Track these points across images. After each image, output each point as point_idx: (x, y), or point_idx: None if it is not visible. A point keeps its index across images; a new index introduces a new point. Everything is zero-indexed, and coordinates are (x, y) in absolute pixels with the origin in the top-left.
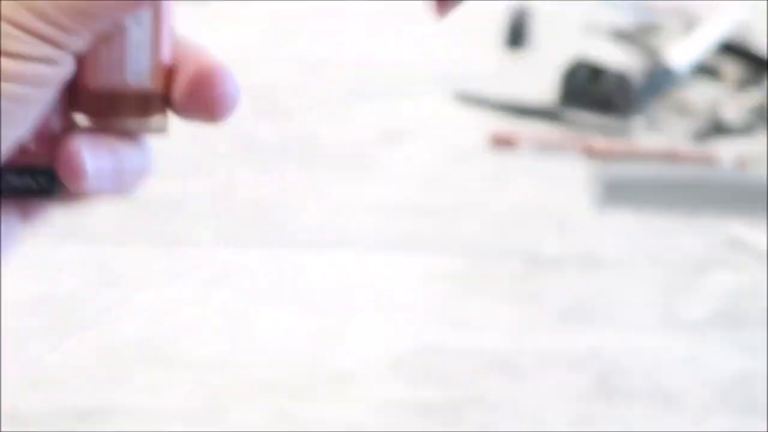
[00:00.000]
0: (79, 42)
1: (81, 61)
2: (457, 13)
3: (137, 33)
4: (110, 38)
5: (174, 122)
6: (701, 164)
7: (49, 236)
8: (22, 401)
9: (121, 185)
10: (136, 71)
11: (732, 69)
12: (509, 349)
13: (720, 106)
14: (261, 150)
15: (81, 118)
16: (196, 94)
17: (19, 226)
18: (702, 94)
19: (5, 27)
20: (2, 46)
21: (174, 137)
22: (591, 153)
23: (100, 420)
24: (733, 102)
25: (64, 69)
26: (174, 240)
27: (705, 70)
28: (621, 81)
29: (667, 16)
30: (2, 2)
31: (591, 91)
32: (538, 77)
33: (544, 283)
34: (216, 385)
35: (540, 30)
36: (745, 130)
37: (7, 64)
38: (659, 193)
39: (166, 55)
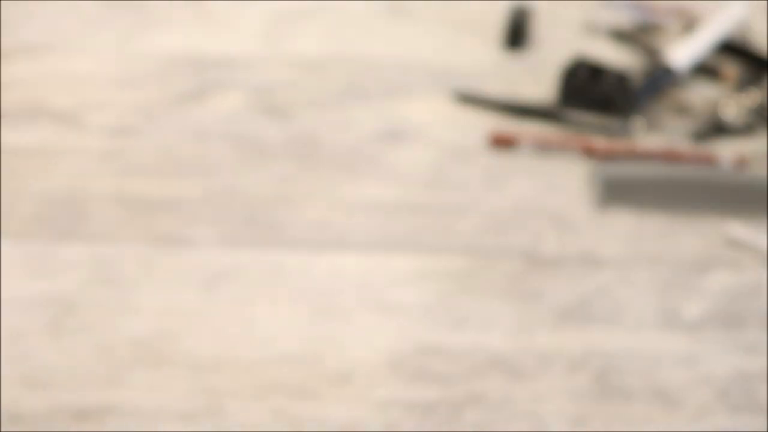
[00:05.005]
0: None
1: None
2: (457, 12)
3: None
4: None
5: (174, 123)
6: (701, 164)
7: (49, 236)
8: (22, 401)
9: None
10: None
11: (732, 69)
12: (508, 349)
13: (720, 106)
14: (261, 150)
15: None
16: None
17: None
18: (702, 94)
19: None
20: None
21: (173, 137)
22: (591, 153)
23: (100, 420)
24: (733, 102)
25: None
26: (174, 240)
27: (705, 70)
28: (621, 81)
29: (667, 16)
30: None
31: (591, 91)
32: (538, 77)
33: (543, 283)
34: (216, 385)
35: (540, 30)
36: (745, 130)
37: None
38: (659, 193)
39: None
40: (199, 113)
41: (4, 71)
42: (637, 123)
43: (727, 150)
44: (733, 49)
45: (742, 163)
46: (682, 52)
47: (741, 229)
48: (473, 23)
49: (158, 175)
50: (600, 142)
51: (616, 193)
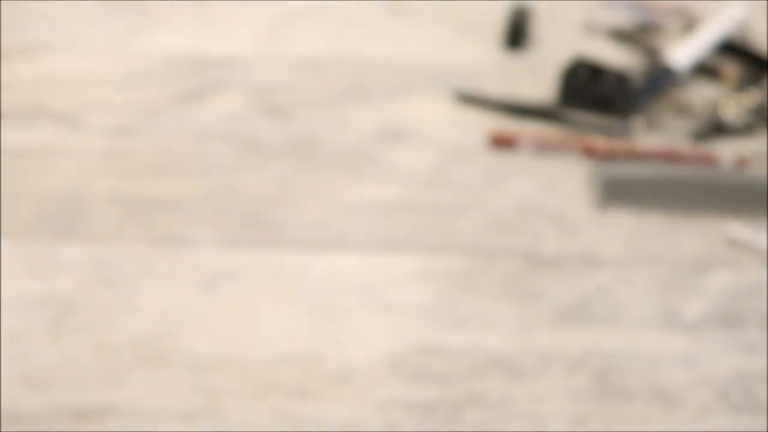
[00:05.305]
0: None
1: None
2: (457, 12)
3: None
4: None
5: (174, 123)
6: (701, 164)
7: (49, 236)
8: (21, 401)
9: None
10: None
11: (732, 69)
12: (508, 349)
13: (720, 106)
14: (261, 150)
15: None
16: None
17: None
18: (702, 94)
19: None
20: None
21: (173, 137)
22: (591, 153)
23: (100, 420)
24: (733, 102)
25: None
26: (174, 240)
27: (705, 70)
28: (621, 81)
29: (667, 16)
30: None
31: (591, 91)
32: (538, 77)
33: (543, 283)
34: (216, 385)
35: (540, 30)
36: (745, 130)
37: None
38: (659, 193)
39: None
40: (199, 113)
41: (4, 71)
42: (637, 123)
43: (727, 150)
44: (733, 49)
45: (742, 163)
46: (682, 52)
47: (741, 229)
48: (473, 23)
49: (158, 175)
50: (600, 142)
51: (616, 193)
